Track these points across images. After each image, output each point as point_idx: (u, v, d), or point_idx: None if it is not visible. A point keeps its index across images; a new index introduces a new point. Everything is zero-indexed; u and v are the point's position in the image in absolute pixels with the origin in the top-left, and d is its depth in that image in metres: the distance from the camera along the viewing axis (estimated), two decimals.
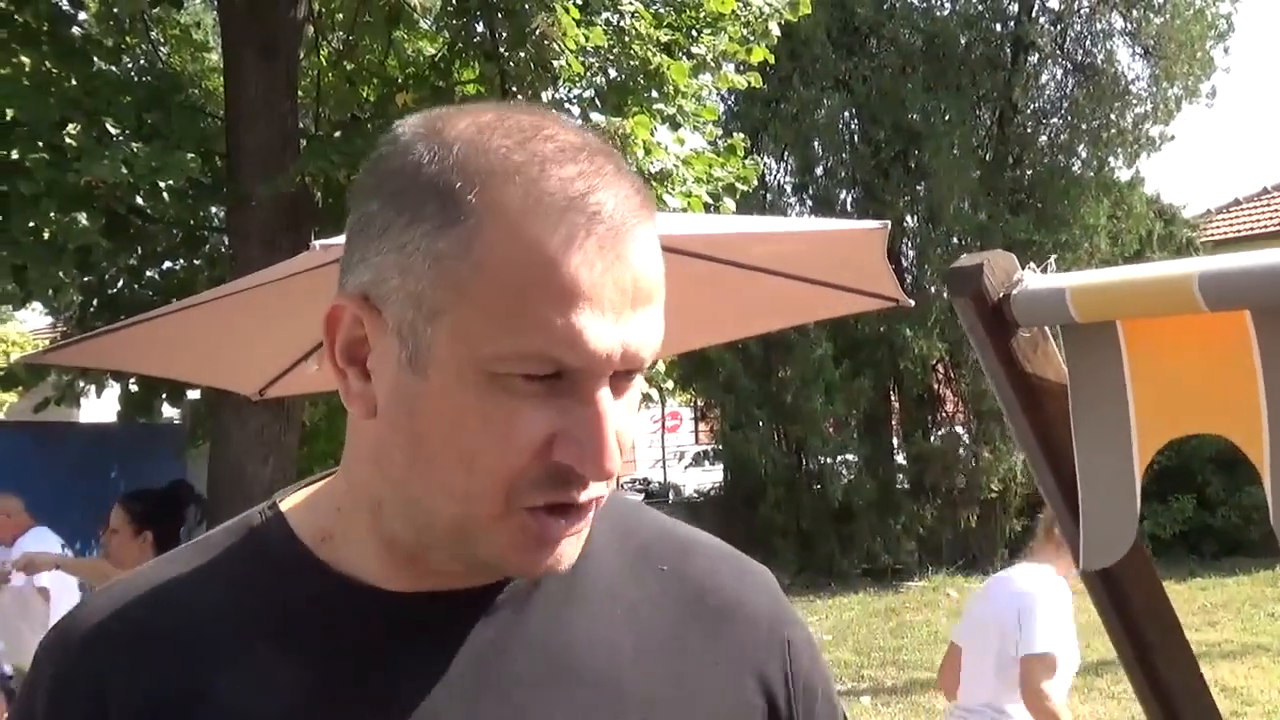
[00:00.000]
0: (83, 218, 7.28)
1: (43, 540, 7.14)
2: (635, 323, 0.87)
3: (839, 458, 15.27)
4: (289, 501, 1.06)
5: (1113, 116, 15.94)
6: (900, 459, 16.00)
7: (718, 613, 1.07)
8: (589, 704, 0.98)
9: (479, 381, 0.87)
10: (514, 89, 7.90)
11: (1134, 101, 16.13)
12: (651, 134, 8.03)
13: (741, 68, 9.40)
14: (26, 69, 7.83)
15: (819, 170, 15.88)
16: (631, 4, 8.10)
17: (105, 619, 0.98)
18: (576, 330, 0.85)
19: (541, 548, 0.91)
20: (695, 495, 17.86)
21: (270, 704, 0.94)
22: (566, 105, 8.59)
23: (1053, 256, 1.26)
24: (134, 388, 9.73)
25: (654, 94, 8.37)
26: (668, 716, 1.00)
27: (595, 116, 8.18)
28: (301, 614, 0.98)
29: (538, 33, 7.49)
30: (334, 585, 0.99)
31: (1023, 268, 1.22)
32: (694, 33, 8.74)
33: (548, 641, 1.00)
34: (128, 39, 9.52)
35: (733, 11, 8.72)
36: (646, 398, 11.41)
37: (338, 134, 8.81)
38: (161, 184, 7.25)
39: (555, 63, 7.76)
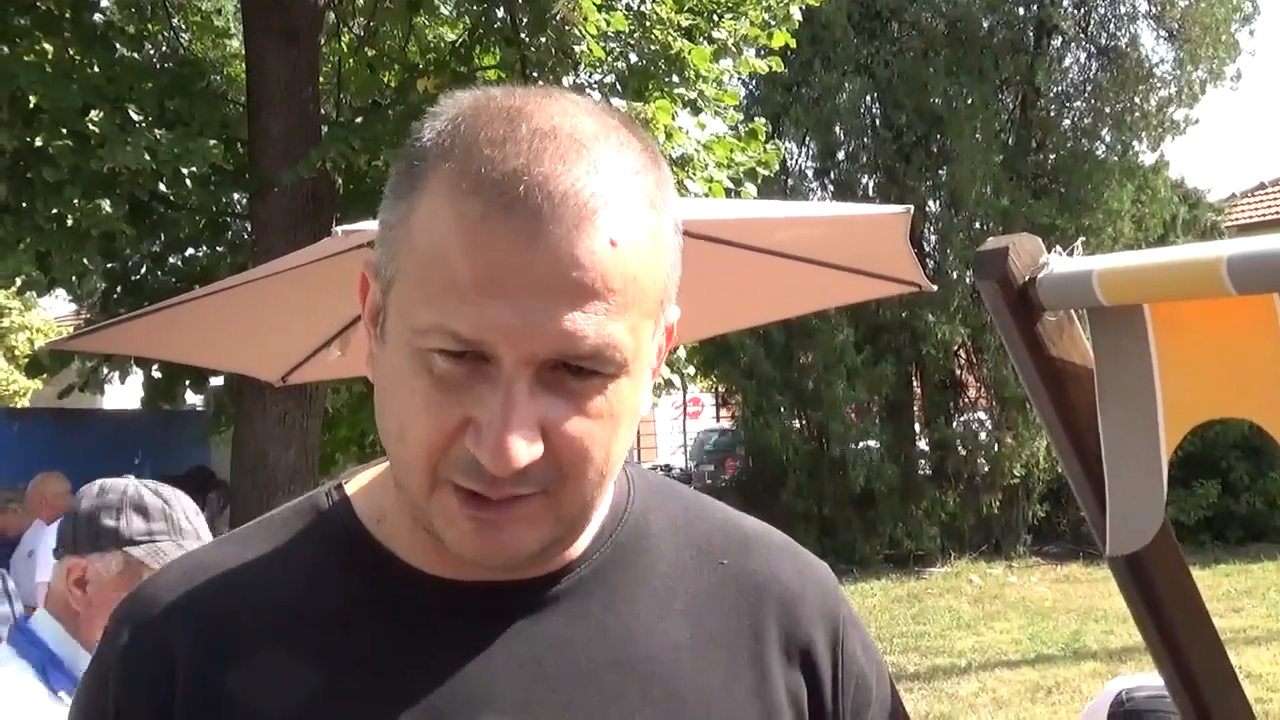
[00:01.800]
0: (106, 204, 7.32)
1: None
2: (566, 316, 0.85)
3: (861, 444, 15.20)
4: (356, 482, 1.08)
5: (1136, 100, 15.81)
6: (922, 445, 15.94)
7: (773, 608, 1.08)
8: (646, 694, 0.99)
9: (411, 354, 0.88)
10: (535, 74, 7.89)
11: (1158, 85, 15.99)
12: (673, 119, 8.02)
13: (762, 52, 9.38)
14: (49, 56, 7.86)
15: (840, 155, 15.80)
16: None
17: (176, 596, 1.00)
18: (471, 307, 0.84)
19: (475, 531, 0.90)
20: (718, 481, 17.85)
21: (321, 688, 0.95)
22: (587, 90, 8.58)
23: (1080, 239, 1.25)
24: (157, 374, 9.79)
25: (675, 79, 8.36)
26: (721, 709, 1.01)
27: (616, 102, 8.16)
28: (358, 598, 1.00)
29: (558, 18, 7.48)
30: (390, 570, 1.00)
31: (1048, 251, 1.21)
32: (715, 17, 8.72)
33: (606, 633, 1.00)
34: (149, 26, 9.57)
35: None
36: (668, 384, 11.41)
37: (359, 120, 8.82)
38: (184, 170, 7.29)
39: (576, 48, 7.75)
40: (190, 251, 10.17)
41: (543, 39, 7.78)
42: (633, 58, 8.40)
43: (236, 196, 9.42)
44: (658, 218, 0.91)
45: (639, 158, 0.91)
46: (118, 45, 8.39)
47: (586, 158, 0.87)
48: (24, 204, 7.47)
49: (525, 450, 0.85)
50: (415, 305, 0.87)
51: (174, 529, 2.34)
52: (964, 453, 15.19)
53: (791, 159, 15.53)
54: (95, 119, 7.21)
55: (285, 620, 0.98)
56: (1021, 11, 15.89)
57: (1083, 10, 16.06)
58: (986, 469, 15.06)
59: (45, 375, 10.73)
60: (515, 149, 0.85)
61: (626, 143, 0.91)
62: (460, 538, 0.91)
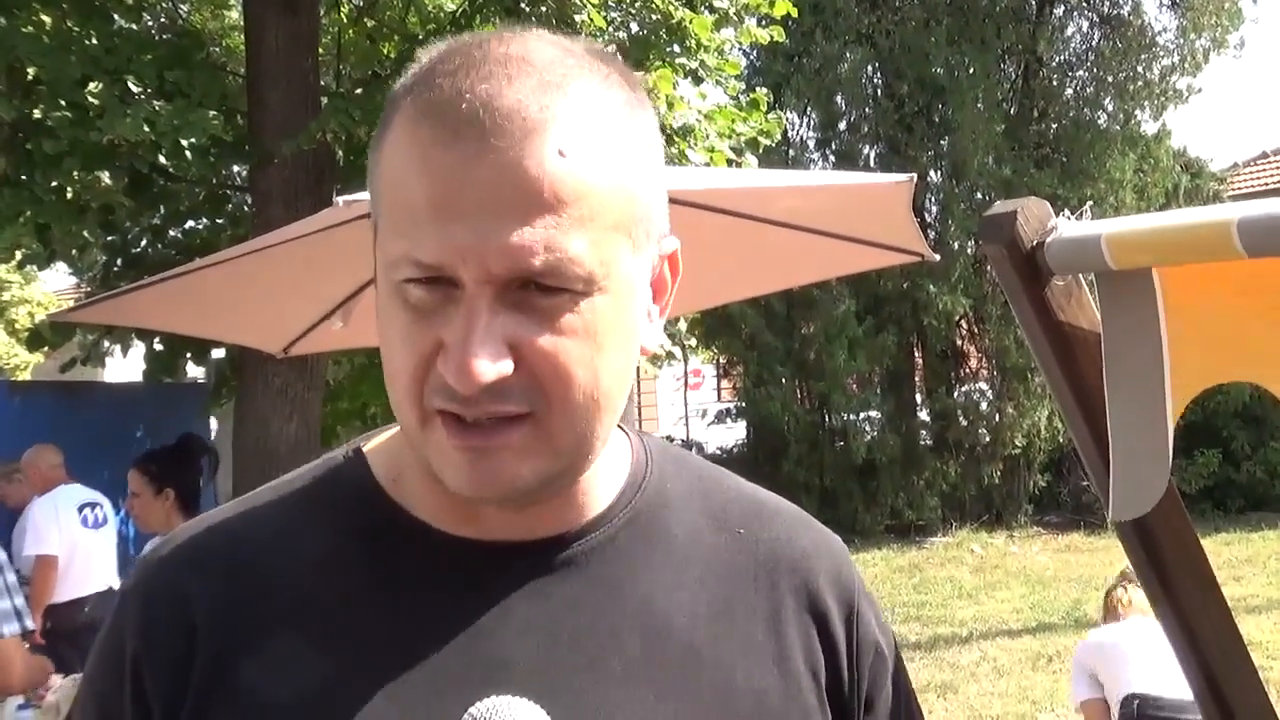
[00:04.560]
0: (106, 176, 7.31)
1: (59, 500, 7.16)
2: (515, 231, 0.84)
3: (862, 414, 15.22)
4: (374, 441, 1.08)
5: (1139, 69, 15.74)
6: (924, 415, 15.94)
7: (788, 577, 1.07)
8: (663, 660, 0.99)
9: (391, 290, 0.89)
10: None
11: (1161, 53, 15.91)
12: (674, 88, 7.98)
13: (764, 21, 9.34)
14: (47, 27, 7.81)
15: (842, 125, 15.75)
16: None
17: (192, 546, 1.01)
18: (427, 232, 0.85)
19: (468, 463, 0.90)
20: (719, 453, 17.86)
21: (334, 643, 0.95)
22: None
23: (1088, 204, 1.24)
24: (159, 347, 9.77)
25: (676, 48, 8.32)
26: (738, 677, 1.00)
27: None
28: (373, 558, 1.00)
29: None
30: (405, 530, 1.00)
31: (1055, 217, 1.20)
32: None
33: (625, 597, 1.00)
34: None
35: None
36: (669, 355, 11.39)
37: (359, 91, 8.78)
38: (184, 142, 7.25)
39: (576, 17, 7.72)
40: (190, 224, 10.13)
41: (543, 8, 7.74)
42: (634, 27, 8.36)
43: (236, 168, 9.39)
44: (624, 133, 0.91)
45: (604, 79, 0.91)
46: (116, 16, 8.33)
47: (535, 75, 0.87)
48: (23, 176, 7.45)
49: (489, 366, 0.85)
50: (386, 240, 0.89)
51: None
52: (965, 423, 15.20)
53: (793, 129, 15.47)
54: (94, 90, 7.17)
55: (295, 573, 0.98)
56: None
57: None
58: (988, 439, 15.07)
59: (46, 348, 10.73)
60: (467, 76, 0.86)
61: (590, 65, 0.91)
62: (454, 471, 0.91)
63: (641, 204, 0.92)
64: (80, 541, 7.09)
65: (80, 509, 7.18)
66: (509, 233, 0.84)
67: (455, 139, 0.84)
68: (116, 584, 7.20)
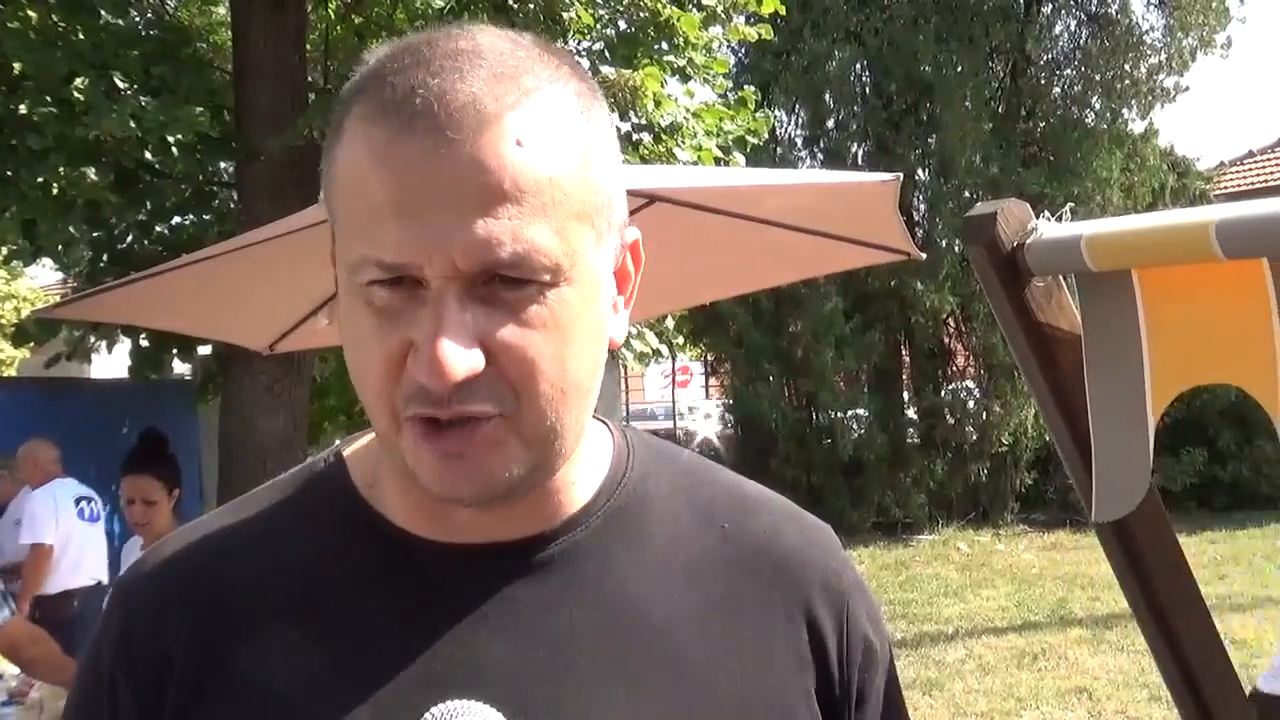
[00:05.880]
0: (92, 172, 7.28)
1: (57, 492, 7.20)
2: (479, 223, 0.83)
3: (849, 412, 15.24)
4: (354, 445, 1.07)
5: (1126, 67, 15.77)
6: (911, 413, 15.97)
7: (776, 572, 1.06)
8: (645, 660, 0.97)
9: (354, 295, 0.88)
10: None
11: (1148, 52, 15.94)
12: (662, 86, 7.98)
13: (752, 19, 9.34)
14: (33, 23, 7.78)
15: (830, 123, 15.76)
16: None
17: (174, 557, 1.02)
18: (389, 232, 0.84)
19: (442, 465, 0.89)
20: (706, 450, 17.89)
21: (309, 648, 0.95)
22: (576, 58, 8.53)
23: (1069, 205, 1.25)
24: (145, 343, 9.74)
25: (664, 46, 8.32)
26: (723, 676, 0.99)
27: (605, 69, 8.13)
28: (350, 564, 1.00)
29: None
30: (381, 535, 1.00)
31: (1037, 217, 1.20)
32: None
33: (605, 596, 0.99)
34: None
35: None
36: (656, 353, 11.39)
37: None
38: (170, 139, 7.23)
39: (565, 14, 7.71)
40: (177, 220, 10.09)
41: (531, 5, 7.73)
42: (621, 24, 8.36)
43: (223, 165, 9.36)
44: (578, 123, 0.90)
45: (555, 70, 0.90)
46: (102, 12, 8.30)
47: (487, 68, 0.86)
48: (9, 172, 7.43)
49: (460, 359, 0.83)
50: (347, 245, 0.88)
51: None
52: (952, 421, 15.23)
53: (781, 127, 15.49)
54: (80, 86, 7.15)
55: (279, 589, 0.98)
56: None
57: None
58: (975, 437, 15.11)
59: (32, 344, 10.68)
60: (418, 73, 0.85)
61: (540, 57, 0.90)
62: (429, 472, 0.90)
63: (601, 193, 0.91)
64: (75, 533, 7.16)
65: (77, 502, 7.25)
66: (474, 226, 0.83)
67: (411, 135, 0.83)
68: (105, 579, 7.22)
